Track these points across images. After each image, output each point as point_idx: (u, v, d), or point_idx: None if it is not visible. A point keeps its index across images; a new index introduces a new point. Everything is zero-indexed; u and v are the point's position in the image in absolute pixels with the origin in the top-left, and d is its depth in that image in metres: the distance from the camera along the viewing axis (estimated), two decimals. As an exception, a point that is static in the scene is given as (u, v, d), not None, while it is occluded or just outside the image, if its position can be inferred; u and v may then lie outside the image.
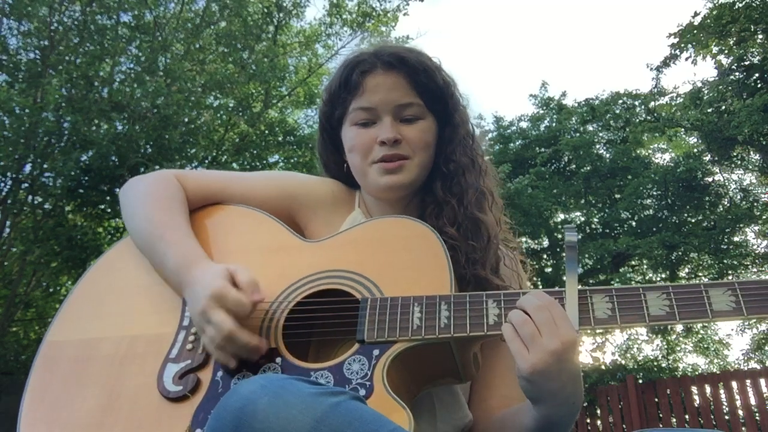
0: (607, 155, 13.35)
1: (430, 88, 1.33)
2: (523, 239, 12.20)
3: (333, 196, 1.41)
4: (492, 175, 1.41)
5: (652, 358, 14.85)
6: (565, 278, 1.04)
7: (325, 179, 1.46)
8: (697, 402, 7.81)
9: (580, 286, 1.02)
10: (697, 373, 14.77)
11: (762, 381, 7.40)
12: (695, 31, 11.97)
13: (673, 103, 13.02)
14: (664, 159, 14.08)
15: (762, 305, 0.93)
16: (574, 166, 13.41)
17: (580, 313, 1.00)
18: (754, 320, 12.88)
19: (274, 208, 1.34)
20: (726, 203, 12.43)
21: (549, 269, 13.31)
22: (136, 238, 1.29)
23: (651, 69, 12.92)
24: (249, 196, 1.36)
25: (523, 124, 14.27)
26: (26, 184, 9.59)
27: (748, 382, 7.46)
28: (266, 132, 11.77)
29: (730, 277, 12.77)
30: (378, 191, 1.33)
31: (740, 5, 11.52)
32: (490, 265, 1.27)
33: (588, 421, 8.80)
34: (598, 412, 8.67)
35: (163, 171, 1.38)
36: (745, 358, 14.94)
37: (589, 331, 1.01)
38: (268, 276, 1.18)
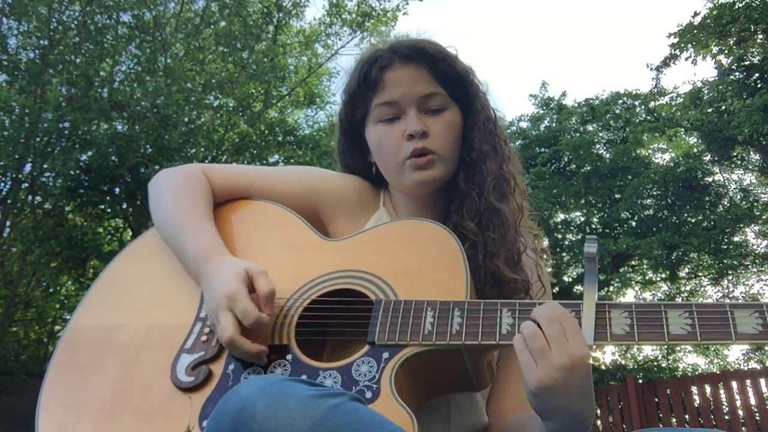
0: (607, 155, 13.35)
1: (451, 77, 1.31)
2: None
3: (358, 194, 1.39)
4: (515, 161, 1.38)
5: (652, 358, 14.86)
6: (582, 289, 1.01)
7: (351, 176, 1.43)
8: (697, 402, 7.81)
9: (598, 300, 0.99)
10: (697, 373, 14.78)
11: (762, 381, 7.40)
12: (695, 31, 11.97)
13: (673, 103, 13.02)
14: (664, 159, 14.08)
15: None
16: (574, 166, 13.41)
17: (596, 328, 0.97)
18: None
19: (299, 204, 1.34)
20: (726, 203, 12.43)
21: (548, 269, 13.30)
22: (160, 229, 1.31)
23: (651, 69, 12.93)
24: (274, 191, 1.36)
25: (523, 124, 14.28)
26: (26, 184, 9.60)
27: (748, 382, 7.46)
28: (266, 132, 11.78)
29: (729, 277, 12.79)
30: (411, 188, 1.31)
31: (740, 5, 11.53)
32: (510, 258, 1.24)
33: (588, 421, 8.79)
34: (598, 412, 8.67)
35: (191, 165, 1.38)
36: (745, 358, 14.93)
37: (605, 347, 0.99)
38: (285, 273, 1.18)
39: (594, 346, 0.96)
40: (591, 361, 0.97)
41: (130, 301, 1.25)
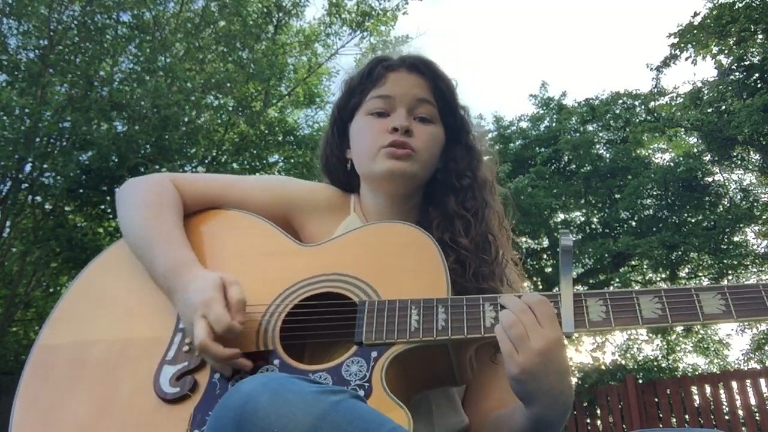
0: (607, 155, 13.35)
1: (446, 98, 1.38)
2: (523, 239, 12.20)
3: (328, 202, 1.42)
4: (498, 193, 1.45)
5: (652, 358, 14.85)
6: (559, 281, 1.06)
7: (320, 185, 1.49)
8: (697, 402, 7.81)
9: (574, 290, 1.04)
10: (697, 373, 14.77)
11: (762, 381, 7.40)
12: (695, 31, 11.97)
13: (673, 103, 13.02)
14: (664, 159, 14.08)
15: (750, 308, 0.97)
16: (574, 166, 13.41)
17: (575, 316, 1.02)
18: (746, 323, 12.90)
19: (271, 212, 1.36)
20: (726, 203, 12.43)
21: (549, 269, 13.32)
22: (129, 242, 1.30)
23: (651, 69, 12.93)
24: (246, 200, 1.37)
25: (523, 124, 14.28)
26: (26, 184, 9.60)
27: (748, 382, 7.47)
28: (266, 132, 11.77)
29: (729, 277, 12.79)
30: (381, 175, 1.32)
31: (740, 5, 11.53)
32: (499, 280, 1.30)
33: (588, 421, 8.80)
34: (598, 412, 8.67)
35: (159, 175, 1.39)
36: (745, 358, 14.93)
37: (584, 334, 1.03)
38: (264, 279, 1.18)
39: (574, 334, 1.01)
40: (566, 343, 1.02)
41: (101, 316, 1.22)
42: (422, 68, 1.36)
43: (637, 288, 1.09)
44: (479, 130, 1.46)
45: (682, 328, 15.18)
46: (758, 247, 12.34)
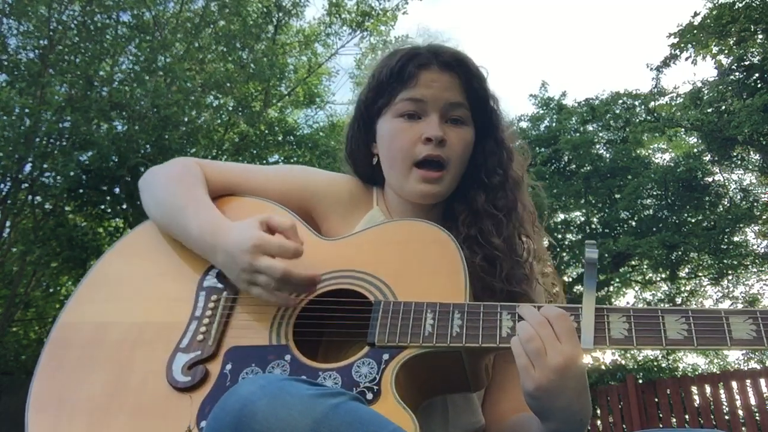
0: (607, 155, 13.35)
1: (480, 96, 1.32)
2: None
3: (350, 194, 1.39)
4: (528, 185, 1.40)
5: (652, 358, 14.84)
6: (582, 294, 1.01)
7: (343, 176, 1.44)
8: (697, 402, 7.80)
9: (597, 305, 0.99)
10: (697, 373, 14.77)
11: (762, 381, 7.39)
12: (695, 31, 11.96)
13: (673, 103, 13.02)
14: (664, 159, 14.09)
15: None
16: (574, 166, 13.41)
17: (595, 332, 0.98)
18: None
19: (292, 202, 1.33)
20: (726, 203, 12.43)
21: (548, 269, 13.30)
22: (157, 214, 1.29)
23: (651, 69, 12.93)
24: (267, 188, 1.35)
25: (523, 124, 14.27)
26: (26, 184, 9.59)
27: (748, 382, 7.45)
28: (266, 132, 11.77)
29: (729, 277, 12.78)
30: (412, 196, 1.30)
31: (740, 5, 11.52)
32: (528, 283, 1.26)
33: (588, 421, 8.78)
34: (598, 412, 8.66)
35: (183, 158, 1.38)
36: (745, 358, 14.92)
37: (604, 351, 1.00)
38: None
39: (594, 350, 0.97)
40: (586, 361, 0.98)
41: (121, 298, 1.23)
42: (455, 66, 1.29)
43: (662, 306, 1.04)
44: (507, 122, 1.40)
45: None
46: (758, 247, 12.35)
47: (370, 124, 1.37)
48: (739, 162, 12.59)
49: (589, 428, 8.65)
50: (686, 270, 13.17)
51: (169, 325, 1.15)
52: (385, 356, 1.02)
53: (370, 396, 0.97)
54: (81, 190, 9.87)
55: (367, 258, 1.17)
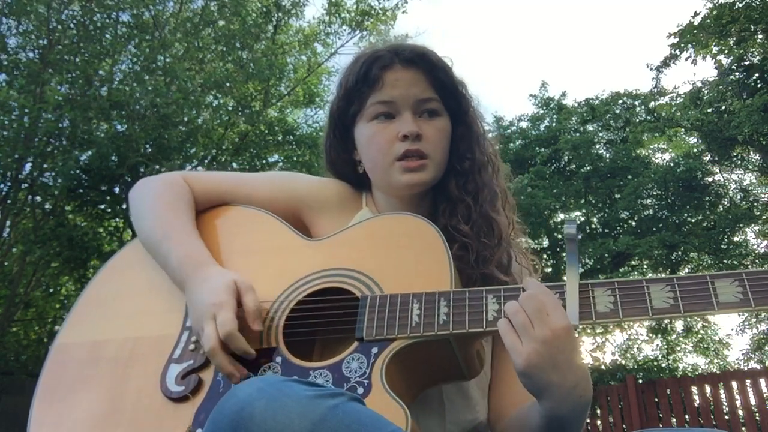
0: (607, 155, 13.36)
1: (446, 85, 1.34)
2: (523, 239, 12.21)
3: (339, 197, 1.40)
4: (504, 174, 1.41)
5: (652, 358, 14.87)
6: (565, 273, 1.02)
7: (331, 180, 1.45)
8: (697, 402, 7.81)
9: (582, 281, 0.99)
10: (697, 373, 14.78)
11: (762, 381, 7.40)
12: (695, 31, 11.96)
13: (673, 103, 13.02)
14: (664, 159, 14.09)
15: None
16: (574, 165, 13.42)
17: (580, 307, 0.98)
18: (763, 314, 12.86)
19: (281, 209, 1.35)
20: (726, 203, 12.44)
21: (549, 269, 13.32)
22: (142, 237, 1.31)
23: (651, 69, 12.93)
24: (256, 197, 1.37)
25: (523, 124, 14.29)
26: (26, 184, 9.59)
27: (748, 382, 7.46)
28: (266, 131, 11.76)
29: (730, 277, 12.77)
30: (398, 189, 1.32)
31: (740, 5, 11.52)
32: (501, 263, 1.26)
33: (588, 421, 8.78)
34: (598, 412, 8.67)
35: (171, 173, 1.39)
36: (745, 358, 14.95)
37: (590, 328, 0.98)
38: (270, 275, 1.18)
39: (579, 326, 0.96)
40: (576, 334, 0.97)
41: (114, 315, 1.24)
42: (417, 61, 1.31)
43: (648, 277, 1.02)
44: (475, 103, 1.41)
45: (682, 327, 15.18)
46: (758, 247, 12.35)
47: (347, 133, 1.39)
48: (739, 162, 12.60)
49: (589, 428, 8.65)
50: (686, 270, 13.16)
51: (161, 338, 1.16)
52: (374, 350, 1.02)
53: (360, 390, 0.97)
54: (81, 190, 9.87)
55: (351, 255, 1.17)
